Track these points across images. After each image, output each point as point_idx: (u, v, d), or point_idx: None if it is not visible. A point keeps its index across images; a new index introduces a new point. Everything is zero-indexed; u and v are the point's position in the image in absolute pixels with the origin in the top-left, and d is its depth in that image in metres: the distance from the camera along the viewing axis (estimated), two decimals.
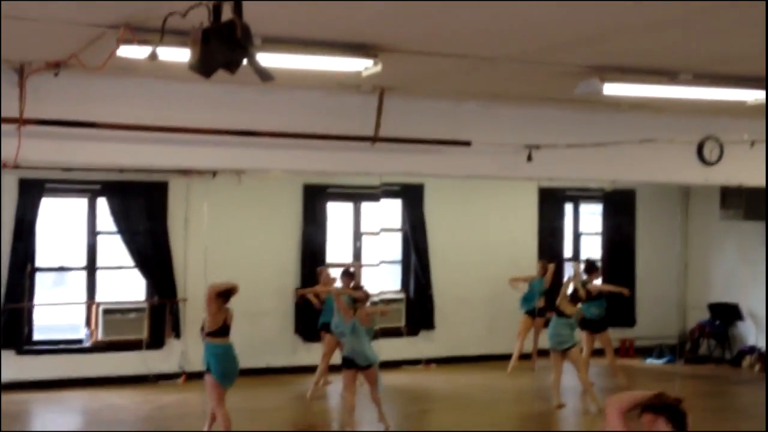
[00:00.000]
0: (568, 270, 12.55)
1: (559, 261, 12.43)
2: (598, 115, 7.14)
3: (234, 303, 9.73)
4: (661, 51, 4.86)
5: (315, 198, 10.97)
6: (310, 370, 9.86)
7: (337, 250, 11.24)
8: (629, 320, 12.70)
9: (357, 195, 11.24)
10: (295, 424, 9.00)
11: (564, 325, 9.09)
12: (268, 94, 6.14)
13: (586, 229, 12.84)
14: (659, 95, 5.84)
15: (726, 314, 12.17)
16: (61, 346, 10.14)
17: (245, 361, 10.08)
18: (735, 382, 11.16)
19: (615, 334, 12.44)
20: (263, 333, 10.60)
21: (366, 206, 11.39)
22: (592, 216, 12.86)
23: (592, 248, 12.81)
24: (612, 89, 5.43)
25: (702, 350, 12.39)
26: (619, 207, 12.62)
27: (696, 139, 7.52)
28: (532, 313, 10.86)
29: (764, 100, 5.86)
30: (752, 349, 11.89)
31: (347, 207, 11.38)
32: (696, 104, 6.54)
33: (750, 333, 12.09)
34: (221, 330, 7.32)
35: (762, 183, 8.88)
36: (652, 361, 11.94)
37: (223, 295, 7.32)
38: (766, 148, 7.00)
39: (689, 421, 3.30)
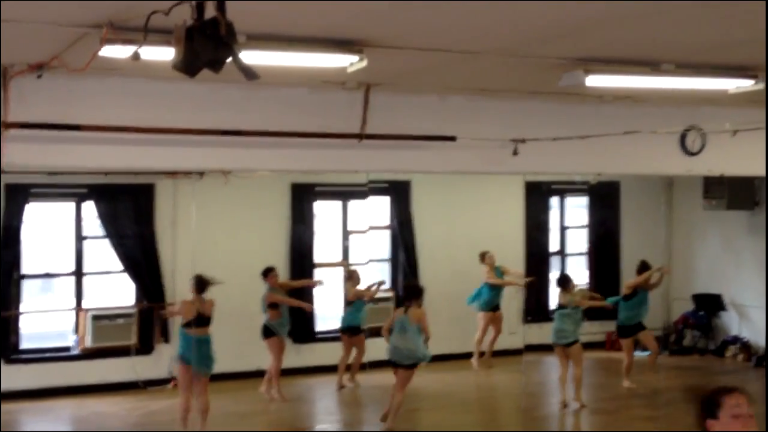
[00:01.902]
0: (555, 264, 12.65)
1: (546, 255, 12.52)
2: (582, 108, 7.19)
3: (223, 304, 9.76)
4: (643, 42, 4.90)
5: (303, 197, 10.96)
6: (300, 372, 9.88)
7: (325, 249, 11.24)
8: (614, 313, 12.75)
9: (345, 193, 11.25)
10: (283, 425, 8.99)
11: (567, 319, 9.12)
12: (253, 92, 6.13)
13: (572, 222, 12.91)
14: (642, 86, 5.89)
15: (709, 304, 12.27)
16: (50, 354, 10.07)
17: (235, 364, 10.13)
18: (719, 372, 11.25)
19: (601, 327, 12.56)
20: (253, 335, 10.56)
21: (354, 204, 11.40)
22: (577, 209, 12.93)
23: (578, 241, 12.88)
24: (595, 81, 5.47)
25: (686, 341, 12.48)
26: (604, 199, 12.69)
27: (678, 130, 7.57)
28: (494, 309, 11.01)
29: (746, 89, 5.91)
30: (735, 339, 11.99)
31: (335, 205, 11.38)
32: (678, 94, 6.60)
33: (733, 323, 12.19)
34: (196, 320, 7.65)
35: (743, 172, 8.98)
36: (637, 354, 12.01)
37: (196, 285, 7.61)
38: (766, 137, 7.06)
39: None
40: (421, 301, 8.05)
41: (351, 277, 10.14)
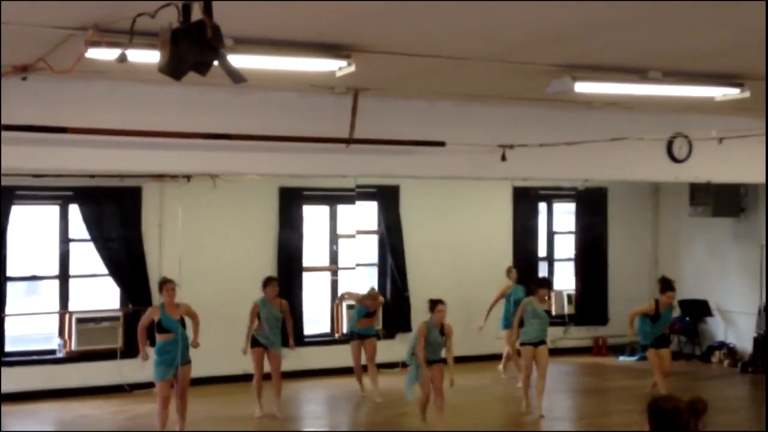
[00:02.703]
0: (543, 270, 12.67)
1: (533, 260, 12.54)
2: (570, 114, 7.21)
3: (210, 309, 9.73)
4: (630, 49, 4.92)
5: (291, 201, 10.94)
6: (285, 376, 9.82)
7: (313, 253, 11.22)
8: (601, 318, 12.82)
9: (333, 197, 11.23)
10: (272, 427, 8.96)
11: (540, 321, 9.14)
12: (241, 96, 6.12)
13: (560, 227, 12.95)
14: (629, 93, 5.91)
15: (695, 310, 12.32)
16: (34, 357, 9.99)
17: (222, 368, 10.09)
18: (705, 377, 11.30)
19: (588, 333, 12.60)
20: (240, 339, 10.52)
21: (342, 209, 11.38)
22: (565, 215, 12.96)
23: (566, 247, 12.92)
24: (583, 87, 5.49)
25: (673, 346, 12.51)
26: (592, 205, 12.74)
27: (665, 137, 7.61)
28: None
29: (732, 97, 5.95)
30: (721, 345, 12.04)
31: (323, 209, 11.36)
32: (665, 101, 6.63)
33: (719, 329, 12.25)
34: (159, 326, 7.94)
35: (729, 179, 9.05)
36: (624, 359, 12.05)
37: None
38: (766, 144, 7.11)
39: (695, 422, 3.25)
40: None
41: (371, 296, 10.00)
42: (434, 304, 8.18)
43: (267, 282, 8.96)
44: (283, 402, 9.18)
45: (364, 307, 9.92)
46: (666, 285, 9.43)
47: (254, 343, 9.00)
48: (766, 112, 6.86)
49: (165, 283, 8.01)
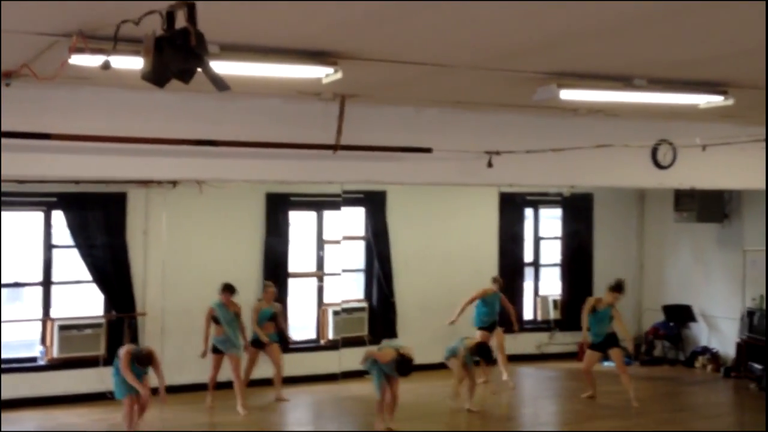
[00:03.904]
0: (529, 275, 12.71)
1: (520, 266, 12.56)
2: (556, 121, 7.24)
3: (195, 316, 9.67)
4: (616, 57, 4.94)
5: (277, 207, 10.90)
6: (267, 382, 9.82)
7: (300, 259, 11.19)
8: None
9: (319, 203, 11.21)
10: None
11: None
12: (227, 102, 6.09)
13: (546, 233, 12.98)
14: (615, 100, 5.94)
15: (679, 316, 12.39)
16: (15, 365, 9.88)
17: (205, 375, 10.02)
18: (689, 383, 11.36)
19: (573, 338, 12.62)
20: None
21: (329, 215, 11.36)
22: (551, 220, 13.00)
23: (552, 252, 12.96)
24: (569, 95, 5.51)
25: (657, 352, 12.59)
26: (578, 211, 12.79)
27: (650, 144, 7.66)
28: (489, 328, 10.72)
29: (716, 104, 5.99)
30: (705, 350, 12.11)
31: (310, 215, 11.34)
32: (650, 109, 6.67)
33: (702, 334, 12.32)
34: None
35: (713, 186, 9.12)
36: (608, 364, 12.09)
37: None
38: (766, 150, 7.16)
39: None
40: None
41: None
42: None
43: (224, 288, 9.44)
44: (267, 408, 9.16)
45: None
46: (615, 286, 9.89)
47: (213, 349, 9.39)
48: (766, 120, 6.92)
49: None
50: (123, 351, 8.04)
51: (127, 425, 8.15)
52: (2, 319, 10.08)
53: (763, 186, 8.05)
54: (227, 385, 9.64)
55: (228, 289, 9.46)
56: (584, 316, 9.93)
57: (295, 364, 10.74)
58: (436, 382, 10.54)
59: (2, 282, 10.00)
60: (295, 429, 9.51)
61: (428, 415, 9.52)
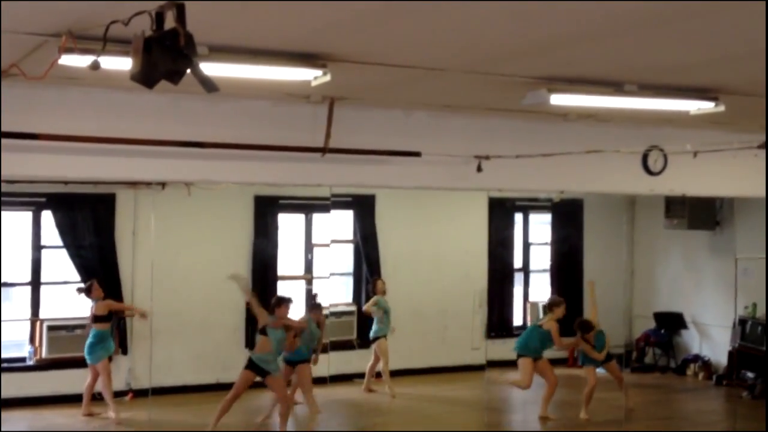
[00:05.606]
0: (518, 280, 12.71)
1: (509, 271, 12.56)
2: (546, 126, 7.24)
3: (184, 317, 9.64)
4: (606, 62, 4.95)
5: (266, 209, 10.88)
6: (255, 386, 9.74)
7: (288, 262, 11.16)
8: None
9: (308, 206, 11.19)
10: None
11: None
12: (216, 104, 6.07)
13: (536, 238, 12.99)
14: (605, 105, 5.94)
15: (670, 323, 12.40)
16: (5, 365, 9.82)
17: (195, 377, 10.00)
18: (680, 390, 11.37)
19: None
20: (213, 348, 10.44)
21: (317, 217, 11.34)
22: (541, 226, 13.02)
23: (542, 257, 12.96)
24: (559, 100, 5.51)
25: (648, 359, 12.60)
26: (568, 217, 12.80)
27: (641, 150, 7.67)
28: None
29: (707, 110, 6.01)
30: (696, 358, 12.13)
31: (299, 218, 11.32)
32: (641, 114, 6.68)
33: (694, 341, 12.33)
34: (104, 317, 8.97)
35: (705, 193, 9.13)
36: (599, 371, 12.09)
37: None
38: (766, 157, 7.18)
39: None
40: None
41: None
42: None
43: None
44: (254, 411, 9.11)
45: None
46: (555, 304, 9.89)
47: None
48: (766, 126, 6.93)
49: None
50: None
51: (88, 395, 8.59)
52: (1, 319, 10.03)
53: (755, 193, 8.06)
54: (214, 387, 9.61)
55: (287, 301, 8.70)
56: (580, 341, 9.66)
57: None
58: (427, 386, 10.55)
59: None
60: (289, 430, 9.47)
61: (419, 420, 9.49)
